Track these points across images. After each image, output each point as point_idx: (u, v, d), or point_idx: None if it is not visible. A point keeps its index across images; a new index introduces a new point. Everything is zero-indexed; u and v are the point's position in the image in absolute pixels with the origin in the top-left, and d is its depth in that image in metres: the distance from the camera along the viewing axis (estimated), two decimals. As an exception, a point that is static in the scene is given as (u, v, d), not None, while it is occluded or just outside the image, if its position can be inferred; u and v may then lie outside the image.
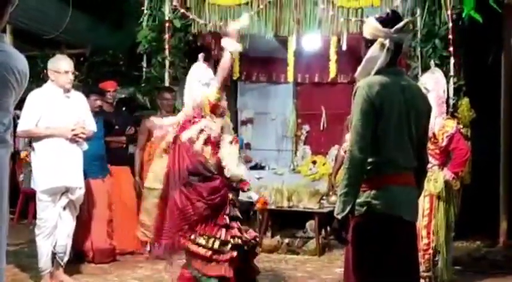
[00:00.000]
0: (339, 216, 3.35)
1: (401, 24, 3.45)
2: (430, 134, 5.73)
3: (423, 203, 5.71)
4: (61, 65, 5.87)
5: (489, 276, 6.43)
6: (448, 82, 7.23)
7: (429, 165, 5.74)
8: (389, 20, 3.48)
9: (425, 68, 7.25)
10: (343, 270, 3.75)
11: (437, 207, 5.82)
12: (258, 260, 7.29)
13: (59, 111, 5.85)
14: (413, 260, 3.65)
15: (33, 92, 5.83)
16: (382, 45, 3.44)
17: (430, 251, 5.81)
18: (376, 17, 3.56)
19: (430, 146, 5.76)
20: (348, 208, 3.32)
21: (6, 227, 3.07)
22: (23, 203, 9.71)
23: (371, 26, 3.50)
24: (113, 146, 7.41)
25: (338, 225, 3.40)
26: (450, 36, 7.20)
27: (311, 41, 9.36)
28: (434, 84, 5.90)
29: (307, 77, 10.55)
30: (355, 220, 3.40)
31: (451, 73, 7.22)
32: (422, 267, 5.76)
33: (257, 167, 10.31)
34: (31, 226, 9.18)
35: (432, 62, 6.34)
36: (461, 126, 6.16)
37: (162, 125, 5.27)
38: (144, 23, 8.01)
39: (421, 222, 5.73)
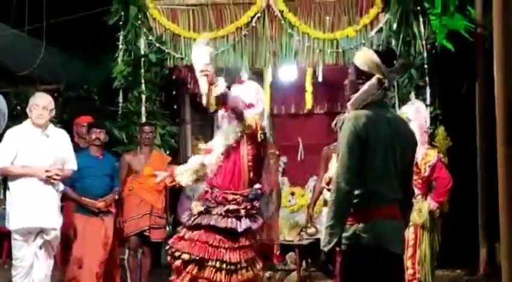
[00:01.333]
0: (325, 249, 3.31)
1: (398, 65, 3.48)
2: None
3: (408, 233, 5.69)
4: (37, 100, 5.78)
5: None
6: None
7: None
8: (388, 57, 3.49)
9: (402, 98, 7.34)
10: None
11: (422, 238, 5.82)
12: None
13: (35, 150, 5.72)
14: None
15: (11, 129, 5.69)
16: (380, 82, 3.45)
17: (415, 281, 5.79)
18: (375, 50, 3.57)
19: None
20: (335, 240, 3.29)
21: None
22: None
23: (371, 61, 3.48)
24: None
25: (324, 258, 3.36)
26: (426, 66, 7.27)
27: (287, 73, 9.38)
28: (416, 114, 5.94)
29: (283, 108, 10.55)
30: (343, 253, 3.37)
31: (427, 102, 7.28)
32: None
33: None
34: (5, 265, 9.01)
35: (412, 94, 6.38)
36: (442, 156, 6.17)
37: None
38: (120, 58, 7.98)
39: (406, 253, 5.71)
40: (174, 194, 8.51)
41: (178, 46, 8.04)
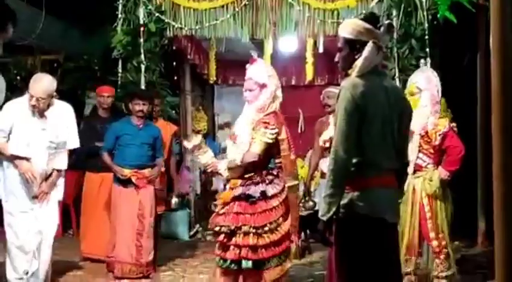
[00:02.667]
0: (324, 218, 3.33)
1: (385, 26, 3.46)
2: (423, 132, 5.75)
3: (423, 204, 5.75)
4: (34, 89, 5.51)
5: (474, 277, 6.39)
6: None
7: (423, 164, 5.78)
8: (373, 21, 3.47)
9: (403, 69, 7.29)
10: (326, 272, 3.71)
11: (436, 207, 5.82)
12: (239, 265, 7.31)
13: (29, 132, 5.58)
14: (396, 261, 3.64)
15: (10, 102, 5.56)
16: (377, 46, 3.42)
17: (444, 250, 5.82)
18: (360, 18, 3.54)
19: (423, 145, 5.78)
20: (333, 209, 3.30)
21: None
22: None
23: (361, 27, 3.46)
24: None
25: (323, 227, 3.37)
26: (427, 37, 7.21)
27: (287, 44, 9.34)
28: (427, 83, 5.89)
29: (283, 80, 10.46)
30: (338, 222, 3.37)
31: (429, 74, 7.23)
32: (440, 268, 5.80)
33: (235, 171, 10.25)
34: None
35: (423, 61, 6.27)
36: (454, 124, 6.08)
37: None
38: (119, 28, 7.90)
39: (428, 225, 5.75)
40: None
41: (178, 16, 7.95)
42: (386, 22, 3.54)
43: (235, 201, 5.15)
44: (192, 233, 9.30)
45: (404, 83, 7.22)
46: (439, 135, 5.78)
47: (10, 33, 3.14)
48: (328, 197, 3.33)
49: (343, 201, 3.36)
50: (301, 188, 8.51)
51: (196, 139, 5.42)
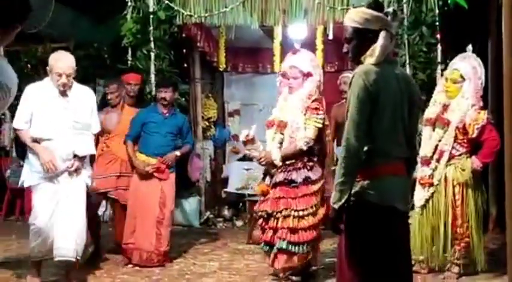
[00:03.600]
0: (336, 206, 3.32)
1: (392, 12, 3.44)
2: (460, 125, 5.71)
3: (454, 192, 5.76)
4: (59, 67, 5.37)
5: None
6: (435, 69, 7.23)
7: (457, 153, 5.78)
8: (379, 9, 3.45)
9: (413, 56, 7.26)
10: (336, 260, 3.71)
11: (466, 196, 5.81)
12: (249, 252, 7.34)
13: (51, 113, 5.43)
14: (407, 249, 3.63)
15: (30, 86, 5.49)
16: (390, 33, 3.41)
17: (467, 239, 5.85)
18: (366, 6, 3.51)
19: (458, 135, 5.77)
20: (345, 197, 3.30)
21: None
22: (10, 199, 9.59)
23: (371, 15, 3.43)
24: None
25: (334, 215, 3.36)
26: (437, 23, 7.17)
27: (297, 31, 9.30)
28: (472, 74, 5.84)
29: (293, 66, 10.50)
30: (349, 210, 3.37)
31: (439, 60, 7.21)
32: (456, 255, 5.84)
33: (245, 158, 10.26)
34: (18, 222, 9.14)
35: (470, 47, 6.19)
36: (491, 116, 6.00)
37: None
38: (129, 16, 7.91)
39: (457, 212, 5.79)
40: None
41: (187, 3, 7.94)
42: (391, 9, 3.52)
43: (277, 187, 5.52)
44: (202, 220, 9.33)
45: (414, 69, 7.21)
46: (477, 128, 5.74)
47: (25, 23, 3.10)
48: (339, 184, 3.32)
49: (354, 189, 3.35)
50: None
51: (248, 133, 5.61)
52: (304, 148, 5.45)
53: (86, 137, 5.59)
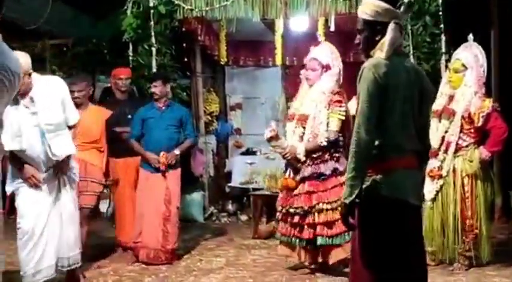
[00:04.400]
0: (347, 201, 3.28)
1: (406, 4, 3.40)
2: (465, 114, 5.67)
3: (463, 183, 5.73)
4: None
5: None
6: (439, 60, 7.18)
7: (464, 144, 5.75)
8: (392, 1, 3.41)
9: (417, 46, 7.20)
10: (350, 254, 3.67)
11: (475, 187, 5.78)
12: (255, 247, 7.31)
13: (18, 122, 4.93)
14: (420, 243, 3.59)
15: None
16: (399, 26, 3.36)
17: (476, 230, 5.82)
18: None
19: (465, 125, 5.74)
20: (356, 192, 3.25)
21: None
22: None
23: (381, 8, 3.39)
24: (125, 137, 6.80)
25: (345, 210, 3.32)
26: (440, 13, 7.11)
27: (298, 23, 9.24)
28: (474, 62, 5.80)
29: (295, 59, 10.46)
30: (361, 205, 3.32)
31: (443, 50, 7.16)
32: (465, 247, 5.84)
33: (248, 152, 10.24)
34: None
35: (471, 36, 6.15)
36: (497, 104, 5.98)
37: None
38: (129, 11, 7.83)
39: (466, 203, 5.77)
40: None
41: (188, -3, 7.87)
42: (406, 0, 3.47)
43: (305, 181, 5.51)
44: (206, 215, 9.29)
45: (418, 59, 7.15)
46: (482, 116, 5.70)
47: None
48: (350, 179, 3.28)
49: (366, 184, 3.30)
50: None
51: (272, 129, 5.60)
52: (325, 144, 5.49)
53: (61, 137, 5.15)
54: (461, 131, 5.80)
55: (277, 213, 5.76)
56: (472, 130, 5.80)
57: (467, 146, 5.82)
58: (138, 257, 6.52)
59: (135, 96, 7.39)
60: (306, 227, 5.57)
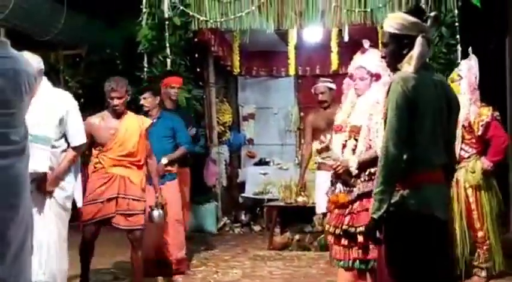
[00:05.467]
0: (375, 216, 3.25)
1: (432, 18, 3.38)
2: (465, 123, 5.68)
3: (467, 195, 5.71)
4: None
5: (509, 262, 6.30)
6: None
7: (466, 155, 5.73)
8: (420, 14, 3.40)
9: (433, 57, 7.17)
10: (377, 270, 3.65)
11: (480, 198, 5.77)
12: (270, 258, 7.28)
13: None
14: (448, 258, 3.56)
15: None
16: (427, 40, 3.35)
17: (488, 242, 5.81)
18: (405, 11, 3.47)
19: (466, 135, 5.73)
20: (384, 207, 3.23)
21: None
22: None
23: (408, 22, 3.38)
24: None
25: (373, 225, 3.30)
26: (457, 24, 7.10)
27: (312, 34, 9.25)
28: (467, 71, 5.83)
29: (308, 69, 10.48)
30: (389, 220, 3.30)
31: (459, 60, 7.12)
32: (481, 259, 5.81)
33: (261, 162, 10.23)
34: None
35: (470, 49, 6.16)
36: (497, 113, 5.96)
37: None
38: (144, 22, 7.83)
39: (473, 215, 5.75)
40: (199, 158, 8.47)
41: (203, 8, 7.86)
42: (433, 14, 3.46)
43: (363, 198, 4.80)
44: (219, 225, 9.28)
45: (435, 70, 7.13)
46: (481, 125, 5.71)
47: None
48: (378, 193, 3.25)
49: (394, 199, 3.28)
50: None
51: (323, 140, 5.38)
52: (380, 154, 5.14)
53: (40, 152, 4.59)
54: (462, 142, 5.80)
55: (329, 237, 5.04)
56: (474, 140, 5.81)
57: (469, 157, 5.82)
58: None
59: (181, 106, 7.32)
60: (371, 247, 4.71)
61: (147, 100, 6.56)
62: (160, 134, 6.46)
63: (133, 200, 5.54)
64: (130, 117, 5.76)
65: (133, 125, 5.70)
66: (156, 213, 5.80)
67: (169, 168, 6.48)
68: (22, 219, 2.88)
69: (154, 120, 6.49)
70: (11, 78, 2.88)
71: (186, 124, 6.90)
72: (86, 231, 5.46)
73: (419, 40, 3.33)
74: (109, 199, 5.44)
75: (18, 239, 2.84)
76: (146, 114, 6.48)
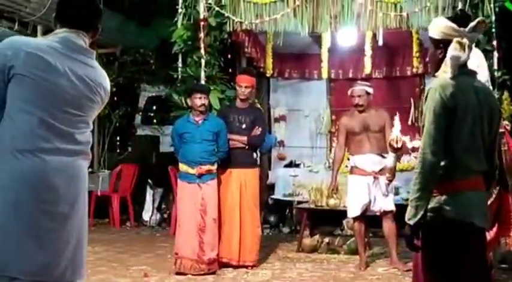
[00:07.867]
0: (411, 222, 3.25)
1: (474, 23, 3.36)
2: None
3: None
4: None
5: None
6: (492, 77, 7.10)
7: None
8: (461, 20, 3.39)
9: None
10: (412, 277, 3.64)
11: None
12: (299, 260, 7.28)
13: None
14: (485, 267, 3.53)
15: None
16: (460, 44, 3.33)
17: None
18: (446, 17, 3.48)
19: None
20: (421, 213, 3.23)
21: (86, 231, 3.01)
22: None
23: (443, 26, 3.39)
24: (232, 146, 6.91)
25: (410, 231, 3.29)
26: (493, 30, 7.04)
27: (345, 37, 9.23)
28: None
29: (340, 72, 10.48)
30: (426, 226, 3.29)
31: (495, 67, 7.08)
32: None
33: (292, 164, 10.23)
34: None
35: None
36: (507, 122, 5.93)
37: None
38: (179, 22, 7.88)
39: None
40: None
41: (238, 10, 7.89)
42: (477, 19, 3.44)
43: None
44: (249, 226, 9.27)
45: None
46: None
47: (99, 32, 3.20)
48: (415, 200, 3.25)
49: (431, 205, 3.27)
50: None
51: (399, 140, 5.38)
52: None
53: None
54: None
55: None
56: None
57: None
58: (179, 268, 6.52)
59: (256, 107, 7.44)
60: None
61: (206, 100, 6.76)
62: (203, 137, 6.65)
63: None
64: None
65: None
66: None
67: (209, 167, 6.65)
68: (81, 217, 2.96)
69: (200, 122, 6.69)
70: (92, 87, 2.98)
71: (253, 123, 7.04)
72: None
73: (452, 45, 3.33)
74: None
75: (76, 236, 2.91)
76: (201, 113, 6.70)
